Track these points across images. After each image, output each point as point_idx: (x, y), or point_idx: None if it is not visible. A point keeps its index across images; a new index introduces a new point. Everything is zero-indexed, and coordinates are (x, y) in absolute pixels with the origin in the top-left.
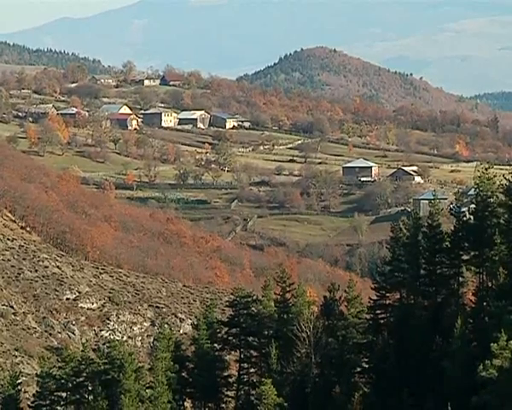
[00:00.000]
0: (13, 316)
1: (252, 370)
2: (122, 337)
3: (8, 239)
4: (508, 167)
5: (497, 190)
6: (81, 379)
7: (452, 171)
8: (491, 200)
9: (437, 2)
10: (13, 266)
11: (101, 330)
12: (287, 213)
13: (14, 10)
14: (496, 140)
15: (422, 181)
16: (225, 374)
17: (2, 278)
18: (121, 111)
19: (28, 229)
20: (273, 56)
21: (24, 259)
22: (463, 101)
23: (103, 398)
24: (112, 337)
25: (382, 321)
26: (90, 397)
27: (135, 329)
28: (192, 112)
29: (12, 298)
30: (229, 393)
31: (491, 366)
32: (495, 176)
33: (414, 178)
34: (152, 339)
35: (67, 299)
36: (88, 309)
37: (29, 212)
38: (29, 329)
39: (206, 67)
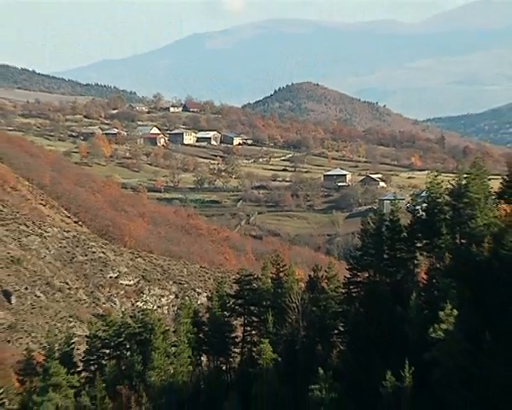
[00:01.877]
0: (68, 290)
1: (253, 332)
2: (152, 307)
3: (65, 231)
4: (452, 175)
5: (444, 193)
6: (121, 339)
7: (409, 177)
8: (439, 200)
9: (399, 45)
10: (68, 252)
11: (136, 301)
12: (280, 210)
13: (68, 52)
14: (442, 154)
15: (385, 185)
16: (233, 335)
17: (60, 261)
18: (152, 131)
19: (80, 223)
20: (270, 89)
21: (76, 246)
22: (417, 123)
23: (138, 354)
24: (145, 307)
25: (354, 294)
26: (128, 353)
27: (162, 300)
28: (207, 132)
29: (67, 276)
30: (235, 350)
31: (439, 329)
32: (442, 181)
33: (379, 183)
34: (176, 308)
35: (110, 277)
36: (126, 285)
37: (80, 209)
38: (80, 300)
39: (217, 97)
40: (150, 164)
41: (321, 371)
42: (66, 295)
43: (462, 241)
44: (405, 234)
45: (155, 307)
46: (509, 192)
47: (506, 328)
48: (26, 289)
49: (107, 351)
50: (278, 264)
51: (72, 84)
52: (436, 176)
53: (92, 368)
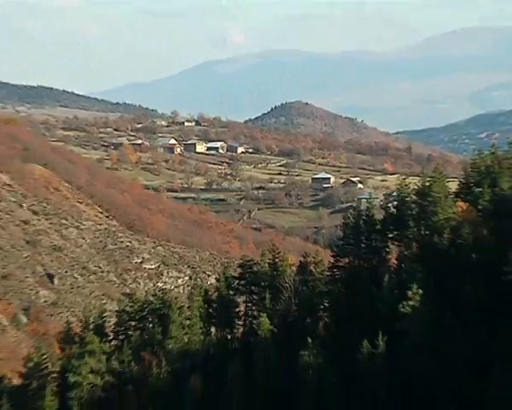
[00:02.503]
0: (100, 273)
1: (253, 308)
2: (170, 287)
3: (98, 224)
4: (417, 178)
5: (411, 193)
6: (144, 314)
7: (382, 180)
8: (407, 199)
9: (374, 71)
10: (100, 241)
11: (157, 283)
12: (276, 207)
13: (100, 76)
14: (410, 160)
15: (362, 187)
16: (236, 310)
17: (94, 248)
18: (170, 142)
19: (110, 217)
20: (267, 107)
21: (107, 236)
22: (389, 135)
23: (158, 326)
24: (164, 287)
25: (337, 277)
26: (150, 325)
27: (178, 281)
28: (215, 142)
29: (100, 262)
30: (239, 322)
31: (407, 305)
32: (409, 183)
33: (357, 185)
34: (189, 288)
35: (135, 262)
36: (148, 269)
37: (111, 206)
38: (110, 281)
39: (224, 114)
40: (168, 169)
41: (309, 340)
42: (99, 278)
43: (426, 232)
44: (379, 227)
45: (172, 287)
46: (465, 192)
47: (462, 305)
48: (66, 272)
49: (133, 323)
50: (274, 251)
51: (104, 103)
52: (404, 179)
53: (120, 337)
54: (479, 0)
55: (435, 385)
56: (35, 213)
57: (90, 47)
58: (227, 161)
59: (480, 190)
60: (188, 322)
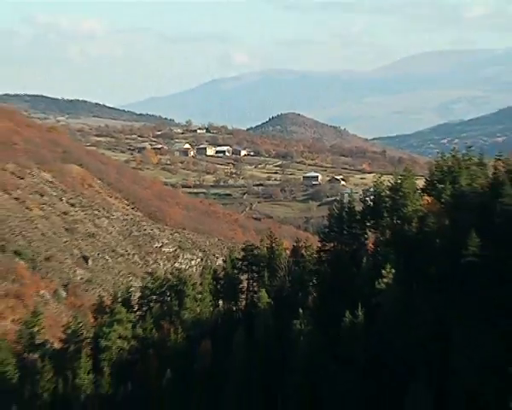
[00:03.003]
0: (127, 256)
1: (254, 284)
2: (185, 267)
3: (125, 214)
4: (390, 176)
5: (385, 188)
6: (163, 289)
7: (361, 178)
8: (382, 193)
9: (356, 87)
10: (127, 229)
11: (174, 263)
12: (273, 200)
13: (127, 91)
14: (384, 162)
15: (345, 184)
16: (240, 286)
17: (121, 235)
18: (185, 146)
19: (135, 209)
20: (266, 117)
21: (133, 225)
22: (367, 141)
23: (175, 299)
24: (180, 267)
25: (324, 258)
26: (168, 299)
27: (192, 262)
28: (223, 147)
29: (127, 246)
30: (242, 296)
31: (382, 282)
32: (384, 181)
33: (340, 182)
34: (201, 268)
35: (156, 246)
36: (167, 252)
37: (135, 200)
38: (135, 262)
39: (230, 123)
40: (183, 169)
41: (300, 310)
42: (125, 259)
43: (398, 221)
44: (358, 217)
45: (187, 267)
46: (430, 188)
47: (428, 282)
48: (98, 254)
49: (154, 297)
50: (271, 237)
51: (130, 114)
52: (380, 177)
53: (144, 309)
54: (444, 27)
55: (405, 348)
56: (72, 205)
57: (117, 66)
58: (232, 162)
59: (442, 186)
60: (199, 296)
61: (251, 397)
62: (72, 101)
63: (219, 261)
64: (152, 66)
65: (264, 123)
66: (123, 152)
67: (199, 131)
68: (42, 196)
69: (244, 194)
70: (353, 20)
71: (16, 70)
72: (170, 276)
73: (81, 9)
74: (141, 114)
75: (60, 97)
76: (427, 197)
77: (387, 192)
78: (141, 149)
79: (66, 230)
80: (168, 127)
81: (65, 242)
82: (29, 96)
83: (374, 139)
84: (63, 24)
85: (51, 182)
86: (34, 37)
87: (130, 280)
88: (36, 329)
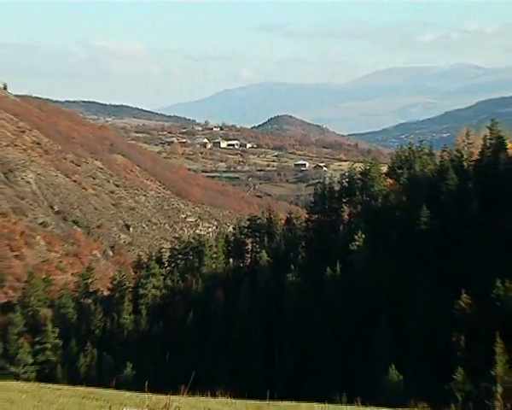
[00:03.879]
0: (159, 224)
1: (257, 246)
2: (204, 233)
3: (158, 193)
4: (361, 164)
5: (357, 173)
6: (187, 250)
7: (339, 165)
8: (355, 177)
9: (334, 95)
10: (159, 204)
11: (195, 230)
12: (271, 182)
13: (158, 97)
14: (357, 153)
15: (326, 169)
16: (246, 248)
17: (155, 208)
18: (203, 141)
19: (165, 189)
20: (265, 118)
21: (164, 200)
22: (344, 137)
23: (196, 258)
24: (200, 233)
25: (310, 227)
26: (191, 257)
27: (209, 229)
28: (233, 141)
29: (159, 217)
30: (247, 255)
31: (355, 245)
32: (356, 167)
33: (323, 168)
34: (216, 234)
35: (181, 217)
36: (190, 221)
37: (166, 182)
38: (166, 230)
39: (238, 122)
40: (202, 158)
41: (292, 266)
42: (158, 227)
43: (367, 198)
44: (337, 195)
45: (205, 233)
46: (391, 173)
47: (390, 245)
48: (137, 223)
49: (180, 256)
50: (270, 210)
51: (161, 116)
52: (353, 164)
53: (172, 265)
54: (403, 49)
55: (372, 295)
56: (117, 186)
57: (152, 78)
58: (240, 153)
59: (401, 171)
60: (215, 255)
61: (256, 332)
62: (117, 106)
63: (230, 229)
64: (178, 78)
65: (264, 123)
66: (156, 145)
67: (214, 129)
68: (94, 178)
69: (249, 177)
70: (333, 44)
71: (74, 82)
72: (192, 240)
73: (125, 33)
74: (170, 116)
75: (108, 103)
76: (389, 180)
77: (359, 176)
78: (170, 143)
79: (113, 204)
80: (191, 126)
81: (111, 213)
82: (84, 102)
83: (348, 135)
84: (111, 45)
85: (101, 168)
86: (88, 55)
87: (162, 243)
88: (90, 280)
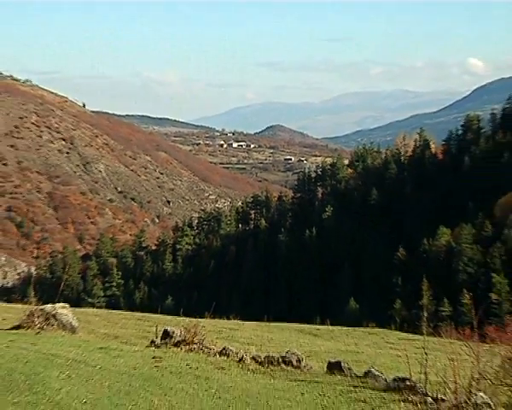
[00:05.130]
0: (190, 200)
1: (258, 216)
2: (221, 206)
3: (189, 178)
4: (330, 158)
5: (327, 164)
6: (209, 219)
7: (315, 159)
8: (326, 167)
9: (310, 111)
10: (190, 186)
11: (216, 204)
12: (268, 171)
13: (188, 112)
14: (327, 151)
15: (306, 162)
16: (250, 216)
17: (187, 189)
18: (221, 143)
19: (194, 175)
20: (263, 127)
21: (193, 183)
22: (318, 140)
23: (215, 223)
24: (218, 206)
25: (295, 202)
26: (212, 223)
27: (225, 204)
28: (241, 142)
29: (190, 195)
30: (251, 222)
31: (326, 214)
32: (327, 160)
33: (304, 161)
34: (230, 207)
35: (205, 195)
36: (211, 198)
37: (195, 170)
38: (195, 204)
39: (244, 130)
40: (220, 154)
41: (282, 230)
42: (189, 202)
43: (334, 182)
44: (313, 180)
45: (222, 207)
46: (351, 164)
47: (350, 214)
48: (175, 199)
49: (205, 222)
50: (267, 191)
51: (191, 125)
52: (325, 159)
53: (199, 228)
54: (359, 78)
55: (338, 250)
56: (161, 173)
57: (184, 99)
58: (246, 151)
59: (358, 163)
60: (229, 222)
61: (258, 274)
62: (161, 118)
63: (239, 203)
64: (203, 99)
65: (262, 130)
66: (188, 145)
67: (228, 134)
68: (145, 168)
69: (252, 168)
70: (311, 75)
71: (130, 102)
72: (213, 211)
73: (166, 67)
74: (197, 125)
75: (155, 116)
76: (350, 170)
77: (329, 167)
78: (197, 144)
79: (158, 186)
80: (212, 132)
81: (157, 193)
82: (138, 115)
83: (321, 139)
84: (156, 75)
85: (150, 161)
86: (141, 82)
87: (192, 213)
88: (142, 239)
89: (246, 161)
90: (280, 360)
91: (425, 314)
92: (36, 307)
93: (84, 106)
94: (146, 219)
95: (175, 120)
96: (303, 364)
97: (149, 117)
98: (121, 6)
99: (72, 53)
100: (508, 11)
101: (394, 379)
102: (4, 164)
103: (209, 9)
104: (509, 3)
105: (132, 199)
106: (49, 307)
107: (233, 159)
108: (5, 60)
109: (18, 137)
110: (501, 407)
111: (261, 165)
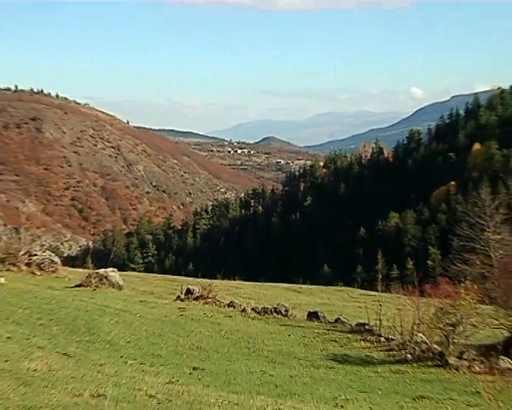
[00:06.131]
0: (206, 192)
1: (257, 204)
2: (229, 196)
3: (205, 176)
4: (310, 161)
5: (308, 166)
6: (220, 205)
7: (298, 161)
8: (306, 167)
9: (294, 126)
10: (206, 181)
11: (225, 195)
12: (264, 170)
13: (204, 128)
14: (306, 155)
15: (292, 164)
16: (250, 204)
17: (204, 184)
18: (228, 149)
19: (209, 173)
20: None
21: (208, 179)
22: (300, 147)
23: (225, 209)
24: (227, 197)
25: (284, 193)
26: (222, 209)
27: (232, 195)
28: (244, 149)
29: (206, 189)
30: (251, 208)
31: (307, 202)
32: (307, 162)
33: (290, 164)
34: (236, 197)
35: (217, 189)
36: (222, 191)
37: (209, 170)
38: (209, 195)
39: (245, 140)
40: (229, 158)
41: (274, 214)
42: (205, 194)
43: (313, 179)
44: (297, 176)
45: (230, 197)
46: (326, 166)
47: (325, 202)
48: (195, 192)
49: (217, 208)
50: (263, 185)
51: (207, 136)
52: (306, 161)
53: (213, 213)
54: (328, 102)
55: (314, 229)
56: (185, 172)
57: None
58: (247, 156)
59: (330, 165)
60: (234, 208)
61: (255, 246)
62: (185, 132)
63: (242, 194)
64: (216, 117)
65: (259, 140)
66: (204, 152)
67: (234, 143)
68: (172, 168)
69: (252, 168)
70: (295, 100)
71: (162, 119)
72: (223, 200)
73: (191, 93)
74: (211, 137)
75: (180, 130)
76: (324, 169)
77: (309, 167)
78: (211, 151)
79: (182, 182)
80: (222, 142)
81: (181, 187)
82: (168, 130)
83: (304, 147)
84: (182, 99)
85: (176, 163)
86: (169, 105)
87: (207, 202)
88: (171, 221)
89: (247, 164)
90: (272, 310)
91: (379, 276)
92: (92, 271)
93: (127, 122)
94: (173, 206)
95: (195, 133)
96: (289, 313)
97: (176, 130)
98: (156, 44)
99: (118, 82)
100: (437, 50)
101: (357, 324)
102: (69, 165)
103: (220, 49)
104: (438, 46)
105: (163, 191)
106: (102, 270)
107: (237, 162)
108: (70, 88)
109: (79, 146)
110: (435, 344)
111: (258, 166)
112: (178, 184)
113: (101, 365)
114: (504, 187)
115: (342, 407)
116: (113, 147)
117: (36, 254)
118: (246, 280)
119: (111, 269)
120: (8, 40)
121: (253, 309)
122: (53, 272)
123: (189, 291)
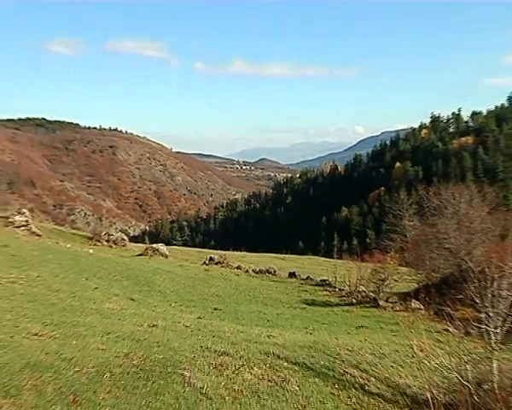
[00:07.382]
0: (222, 194)
1: (256, 201)
2: (238, 197)
3: (222, 184)
4: (290, 174)
5: (289, 178)
6: (232, 203)
7: (282, 175)
8: (288, 179)
9: (274, 152)
10: (221, 186)
11: (234, 196)
12: (260, 180)
13: (224, 152)
14: (289, 171)
15: (278, 176)
16: (251, 202)
17: (220, 187)
18: (237, 166)
19: (224, 181)
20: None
21: (223, 185)
22: (285, 166)
23: (235, 206)
24: (236, 197)
25: (274, 195)
26: (233, 204)
27: (239, 196)
28: (248, 166)
29: (222, 191)
30: (252, 204)
31: (287, 202)
32: (289, 175)
33: (277, 175)
34: (243, 197)
35: (229, 192)
36: (233, 193)
37: (224, 178)
38: (224, 196)
39: (248, 160)
40: (238, 170)
41: (267, 208)
42: (221, 195)
43: (292, 186)
44: (282, 184)
45: (238, 197)
46: (300, 177)
47: (301, 202)
48: (214, 194)
49: (229, 205)
50: (259, 190)
51: (222, 158)
52: (287, 175)
53: (227, 208)
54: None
55: (294, 221)
56: (209, 181)
57: (221, 143)
58: (249, 170)
59: (304, 177)
60: (241, 205)
61: (254, 227)
62: (208, 155)
63: (246, 196)
64: (226, 146)
65: (257, 160)
66: (221, 168)
67: (241, 162)
68: (200, 178)
69: (252, 178)
70: (282, 134)
71: (194, 146)
72: (233, 199)
73: (212, 127)
74: (226, 158)
75: (204, 153)
76: (299, 179)
77: (289, 178)
78: (225, 167)
79: (207, 187)
80: (232, 161)
81: (206, 190)
82: (196, 153)
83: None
84: (202, 132)
85: (203, 175)
86: (199, 137)
87: (223, 201)
88: (199, 213)
89: (249, 175)
90: (265, 271)
91: (335, 249)
92: (148, 245)
93: (171, 149)
94: (201, 204)
95: (215, 155)
96: (277, 273)
97: (202, 154)
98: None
99: (165, 122)
100: (372, 102)
101: (321, 280)
102: (134, 177)
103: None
104: (373, 99)
105: (194, 193)
106: (155, 245)
107: (243, 174)
108: (135, 125)
109: (140, 164)
110: (371, 292)
111: (256, 177)
112: (204, 189)
113: (154, 306)
114: (415, 191)
115: (311, 333)
116: (162, 164)
117: (112, 234)
118: (248, 252)
119: (160, 244)
120: (95, 90)
121: (253, 270)
122: (123, 246)
123: (211, 259)
